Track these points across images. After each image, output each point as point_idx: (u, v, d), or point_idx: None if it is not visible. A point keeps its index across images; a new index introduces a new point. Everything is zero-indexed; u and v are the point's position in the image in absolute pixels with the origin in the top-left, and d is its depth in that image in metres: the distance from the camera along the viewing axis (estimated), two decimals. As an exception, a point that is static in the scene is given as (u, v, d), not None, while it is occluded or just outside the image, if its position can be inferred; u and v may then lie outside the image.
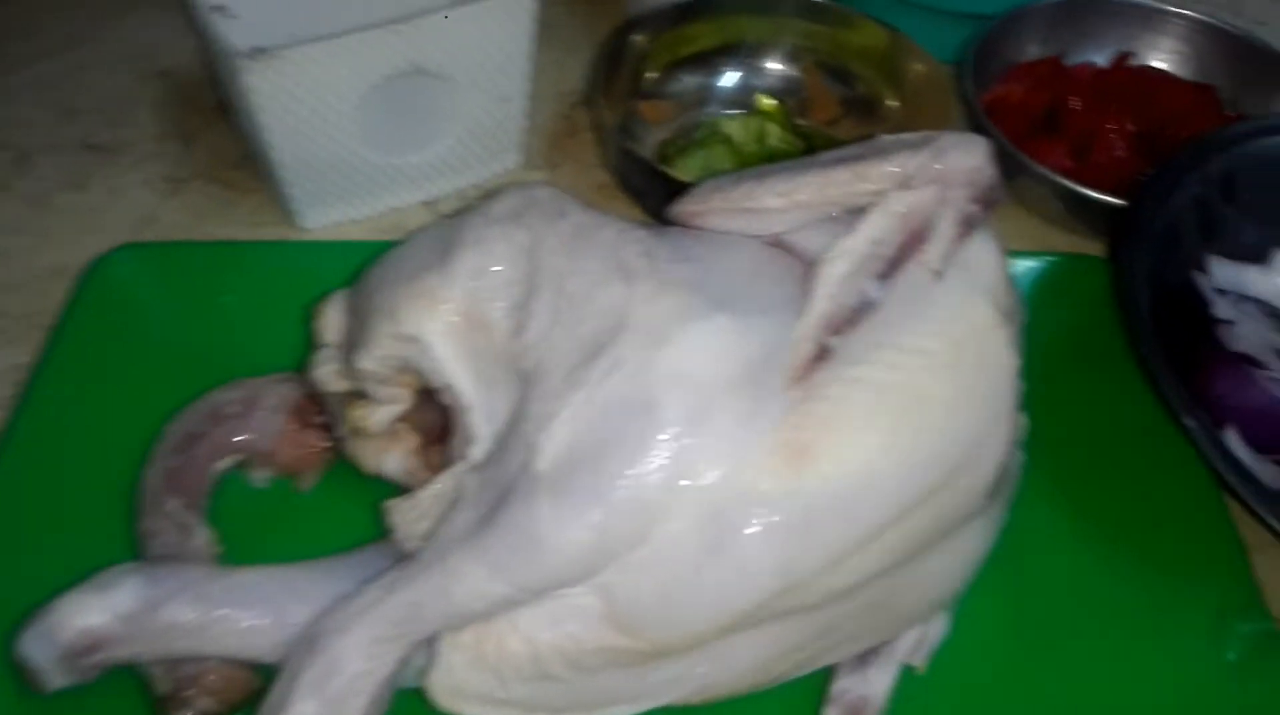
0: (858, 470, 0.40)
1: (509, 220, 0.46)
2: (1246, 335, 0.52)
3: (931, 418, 0.41)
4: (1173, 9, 0.76)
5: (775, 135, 0.72)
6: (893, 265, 0.44)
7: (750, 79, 0.75)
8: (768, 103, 0.73)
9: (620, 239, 0.45)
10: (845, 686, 0.46)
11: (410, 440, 0.51)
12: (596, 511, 0.39)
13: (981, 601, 0.49)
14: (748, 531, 0.39)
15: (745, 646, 0.43)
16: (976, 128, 0.70)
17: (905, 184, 0.45)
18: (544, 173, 0.72)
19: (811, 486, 0.39)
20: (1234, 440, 0.53)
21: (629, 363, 0.40)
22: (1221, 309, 0.53)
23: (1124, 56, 0.75)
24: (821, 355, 0.42)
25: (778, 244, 0.48)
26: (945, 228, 0.44)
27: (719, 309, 0.42)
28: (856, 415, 0.40)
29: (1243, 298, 0.56)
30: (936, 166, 0.45)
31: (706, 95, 0.75)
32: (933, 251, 0.44)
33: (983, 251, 0.45)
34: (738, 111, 0.74)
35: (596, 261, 0.44)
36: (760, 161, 0.70)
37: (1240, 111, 0.72)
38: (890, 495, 0.40)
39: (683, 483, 0.39)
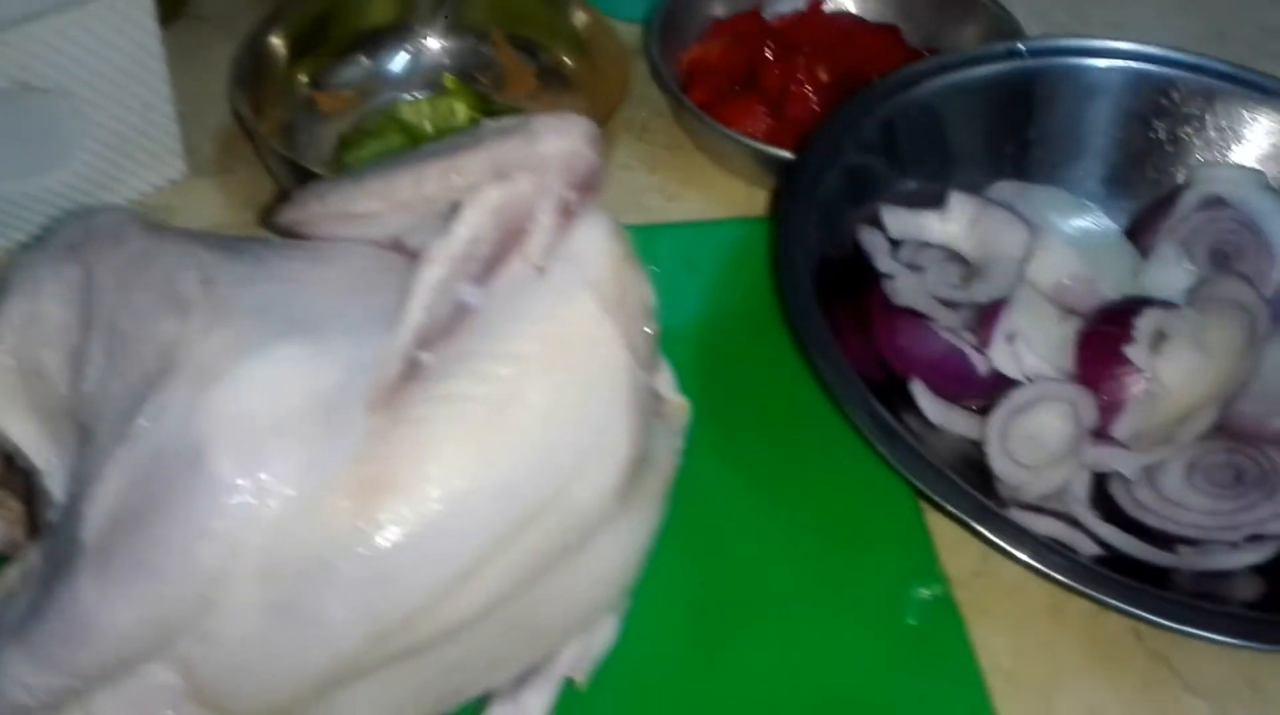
0: (442, 500, 0.36)
1: (63, 255, 0.41)
2: (906, 288, 0.50)
3: (527, 430, 0.37)
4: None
5: (464, 115, 0.67)
6: (491, 265, 0.40)
7: (441, 58, 0.71)
8: (452, 81, 0.69)
9: (178, 265, 0.40)
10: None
11: (12, 508, 0.45)
12: (145, 584, 0.34)
13: (658, 594, 0.46)
14: (319, 584, 0.35)
15: (369, 696, 0.39)
16: (667, 92, 0.67)
17: (501, 174, 0.41)
18: (214, 179, 0.66)
19: (389, 525, 0.35)
20: (922, 392, 0.52)
21: (174, 408, 0.36)
22: (882, 263, 0.52)
23: (817, 3, 0.73)
24: (410, 373, 0.38)
25: (396, 247, 0.44)
26: (544, 219, 0.40)
27: (286, 336, 0.38)
28: (440, 438, 0.36)
29: (925, 245, 0.55)
30: (531, 153, 0.41)
31: (387, 80, 0.70)
32: (533, 246, 0.40)
33: (590, 240, 0.41)
34: (427, 94, 0.69)
35: (149, 293, 0.39)
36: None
37: (934, 48, 0.71)
38: (485, 522, 0.36)
39: (242, 538, 0.35)
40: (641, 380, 0.41)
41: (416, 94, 0.69)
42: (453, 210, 0.41)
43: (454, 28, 0.70)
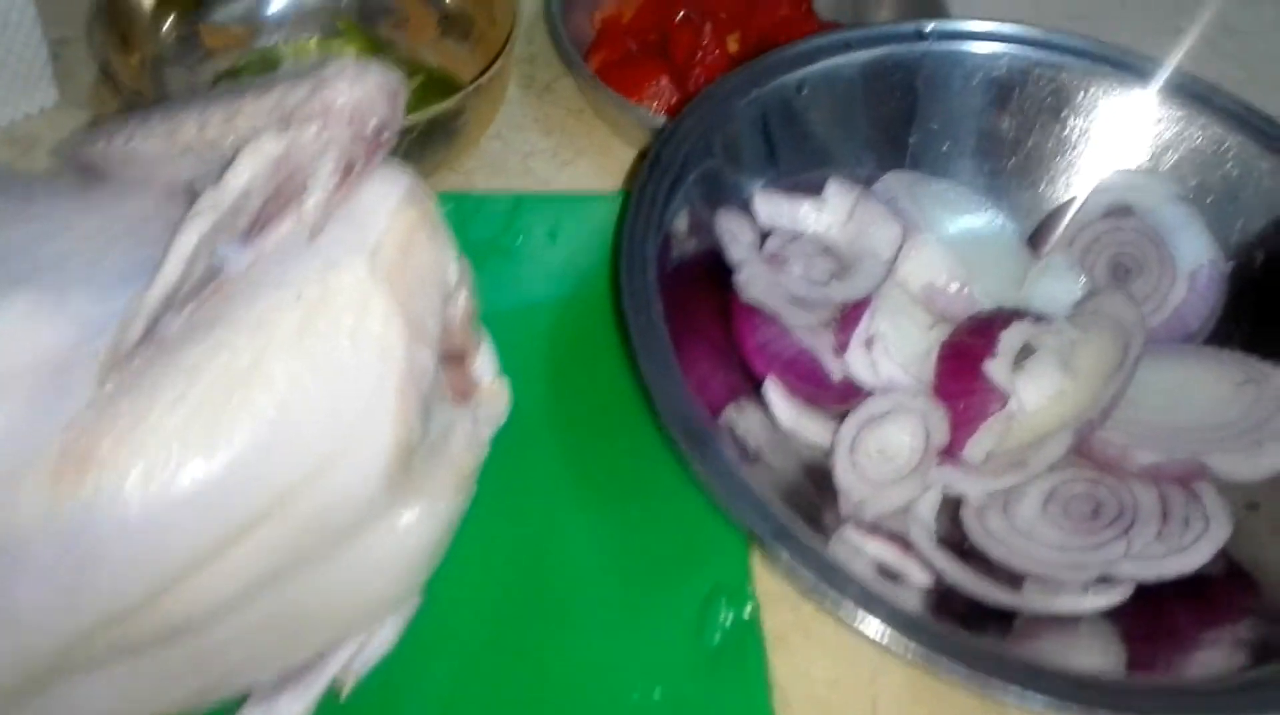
0: (158, 481, 0.33)
1: None
2: (756, 282, 0.47)
3: (264, 408, 0.34)
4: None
5: (353, 61, 0.64)
6: (262, 222, 0.37)
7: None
8: (346, 23, 0.65)
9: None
10: (246, 719, 0.40)
11: None
12: None
13: (454, 595, 0.43)
14: (8, 570, 0.32)
15: (95, 690, 0.36)
16: (561, 53, 0.63)
17: (286, 122, 0.38)
18: (88, 111, 0.63)
19: (92, 506, 0.32)
20: (775, 393, 0.49)
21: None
22: (735, 251, 0.48)
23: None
24: (151, 337, 0.35)
25: (189, 192, 0.41)
26: (323, 174, 0.37)
27: (20, 286, 0.35)
28: (164, 410, 0.33)
29: (797, 237, 0.51)
30: (318, 101, 0.37)
31: (281, 17, 0.66)
32: (308, 204, 0.37)
33: (376, 201, 0.38)
34: (320, 36, 0.66)
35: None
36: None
37: (847, 19, 0.67)
38: (211, 508, 0.33)
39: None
40: (421, 359, 0.37)
41: (312, 35, 0.66)
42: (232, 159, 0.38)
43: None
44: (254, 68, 0.60)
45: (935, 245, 0.49)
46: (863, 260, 0.48)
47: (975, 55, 0.54)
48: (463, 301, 0.42)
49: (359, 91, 0.37)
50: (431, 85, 0.62)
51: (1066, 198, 0.55)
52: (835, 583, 0.38)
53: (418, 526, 0.40)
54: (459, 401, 0.43)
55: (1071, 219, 0.53)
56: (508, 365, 0.45)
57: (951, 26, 0.55)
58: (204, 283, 0.36)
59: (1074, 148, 0.54)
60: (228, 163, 0.37)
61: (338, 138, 0.37)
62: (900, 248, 0.48)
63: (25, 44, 0.59)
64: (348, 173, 0.37)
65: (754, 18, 0.64)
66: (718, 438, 0.41)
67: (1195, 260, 0.52)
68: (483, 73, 0.58)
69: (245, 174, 0.37)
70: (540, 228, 0.55)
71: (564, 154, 0.64)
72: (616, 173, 0.63)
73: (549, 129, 0.65)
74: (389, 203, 0.38)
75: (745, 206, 0.51)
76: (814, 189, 0.52)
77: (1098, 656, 0.43)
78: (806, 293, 0.47)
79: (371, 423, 0.36)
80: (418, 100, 0.61)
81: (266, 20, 0.65)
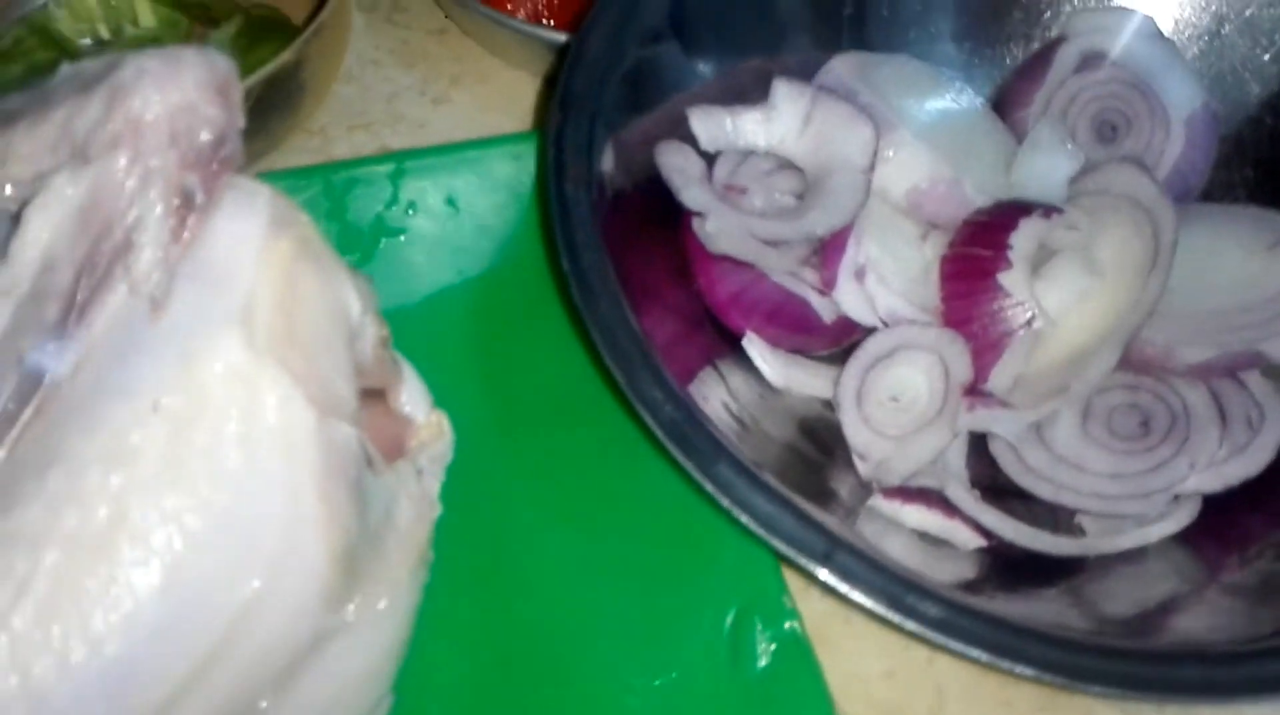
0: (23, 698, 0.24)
1: None
2: (722, 229, 0.38)
3: (149, 577, 0.25)
4: None
5: (150, 17, 0.51)
6: (79, 303, 0.27)
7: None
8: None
9: None
10: None
11: None
12: None
13: (438, 668, 0.36)
14: None
15: None
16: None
17: (81, 154, 0.27)
18: None
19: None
20: (757, 348, 0.41)
21: None
22: (688, 196, 0.39)
23: None
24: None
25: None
26: (152, 221, 0.27)
27: None
28: (6, 607, 0.24)
29: (748, 155, 0.43)
30: (120, 117, 0.27)
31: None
32: (138, 266, 0.27)
33: (232, 242, 0.28)
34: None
35: None
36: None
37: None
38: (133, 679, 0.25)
39: None
40: (340, 438, 0.28)
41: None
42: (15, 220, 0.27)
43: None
44: (26, 47, 0.47)
45: (914, 138, 0.41)
46: (832, 175, 0.40)
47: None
48: (370, 328, 0.33)
49: (174, 95, 0.27)
50: (253, 30, 0.50)
51: (1031, 53, 0.47)
52: (902, 606, 0.31)
53: (375, 630, 0.32)
54: (393, 456, 0.34)
55: (1043, 77, 0.45)
56: (433, 373, 0.36)
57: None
58: (17, 407, 0.26)
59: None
60: (9, 229, 0.27)
61: (160, 165, 0.27)
62: (875, 152, 0.40)
63: None
64: (185, 211, 0.27)
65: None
66: (716, 439, 0.34)
67: (1188, 105, 0.45)
68: (318, 7, 0.46)
69: (38, 241, 0.26)
70: (435, 193, 0.44)
71: (434, 88, 0.53)
72: (502, 104, 0.52)
73: (410, 60, 0.53)
74: (251, 240, 0.28)
75: (680, 129, 0.42)
76: (753, 93, 0.43)
77: (1174, 581, 0.38)
78: (777, 232, 0.39)
79: (294, 545, 0.27)
80: (240, 54, 0.49)
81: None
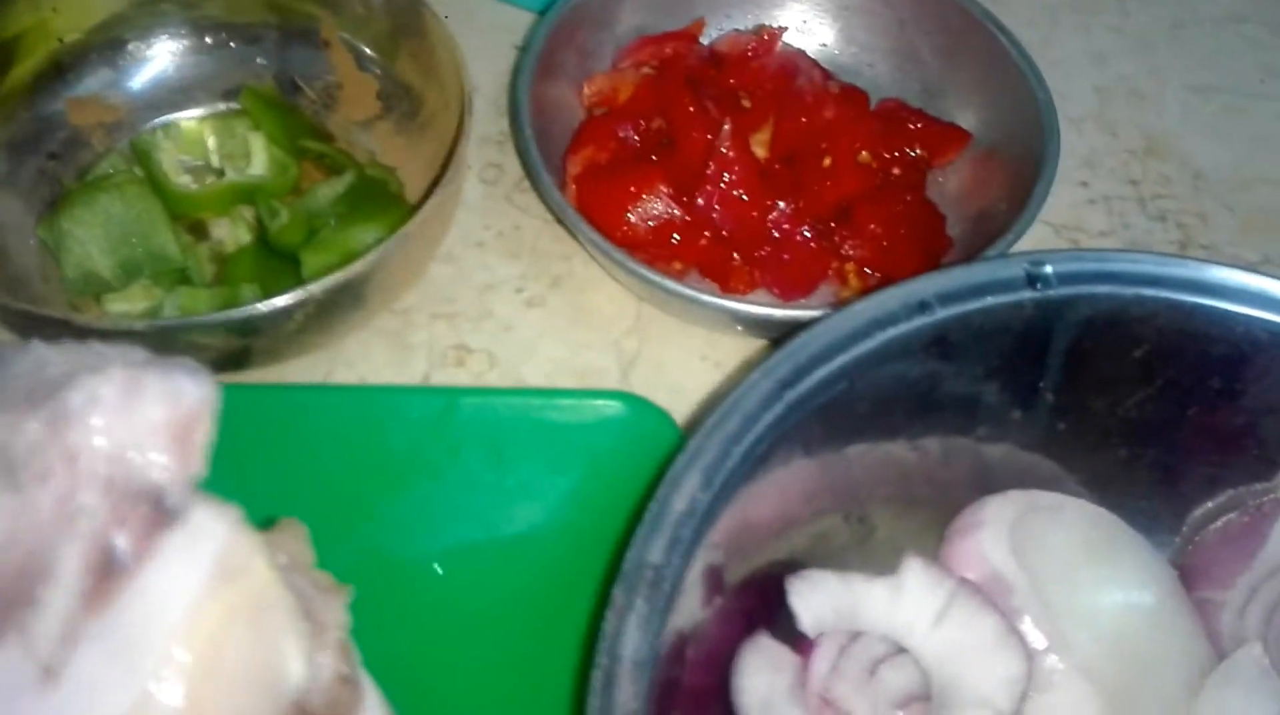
0: None
1: None
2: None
3: None
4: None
5: (263, 155, 0.48)
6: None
7: (252, 56, 0.51)
8: (252, 96, 0.49)
9: None
10: None
11: None
12: None
13: None
14: None
15: None
16: (523, 157, 0.48)
17: (10, 475, 0.23)
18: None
19: None
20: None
21: None
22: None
23: (771, 36, 0.52)
24: None
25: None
26: (65, 577, 0.23)
27: None
28: None
29: (857, 636, 0.34)
30: (59, 445, 0.23)
31: (178, 83, 0.51)
32: (38, 626, 0.23)
33: (157, 599, 0.23)
34: (229, 107, 0.50)
35: None
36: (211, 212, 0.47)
37: (943, 124, 0.51)
38: None
39: None
40: None
41: (219, 106, 0.51)
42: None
43: (272, 14, 0.51)
44: (111, 182, 0.45)
45: (1071, 676, 0.32)
46: (964, 710, 0.33)
47: (1123, 308, 0.35)
48: (326, 671, 0.28)
49: (122, 433, 0.23)
50: (361, 191, 0.47)
51: (1240, 511, 0.37)
52: None
53: None
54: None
55: (1250, 555, 0.36)
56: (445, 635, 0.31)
57: (1081, 264, 0.35)
58: None
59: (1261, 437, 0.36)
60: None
61: (87, 516, 0.23)
62: (1023, 689, 0.32)
63: None
64: (104, 574, 0.23)
65: (789, 113, 0.48)
66: None
67: None
68: (426, 196, 0.42)
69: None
70: (485, 436, 0.40)
71: (533, 287, 0.48)
72: (597, 320, 0.48)
73: (516, 249, 0.49)
74: (179, 599, 0.23)
75: (771, 608, 0.34)
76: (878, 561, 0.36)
77: None
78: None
79: None
80: (343, 216, 0.46)
81: (157, 88, 0.50)
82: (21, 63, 0.47)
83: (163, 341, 0.37)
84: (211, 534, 0.25)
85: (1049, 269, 0.36)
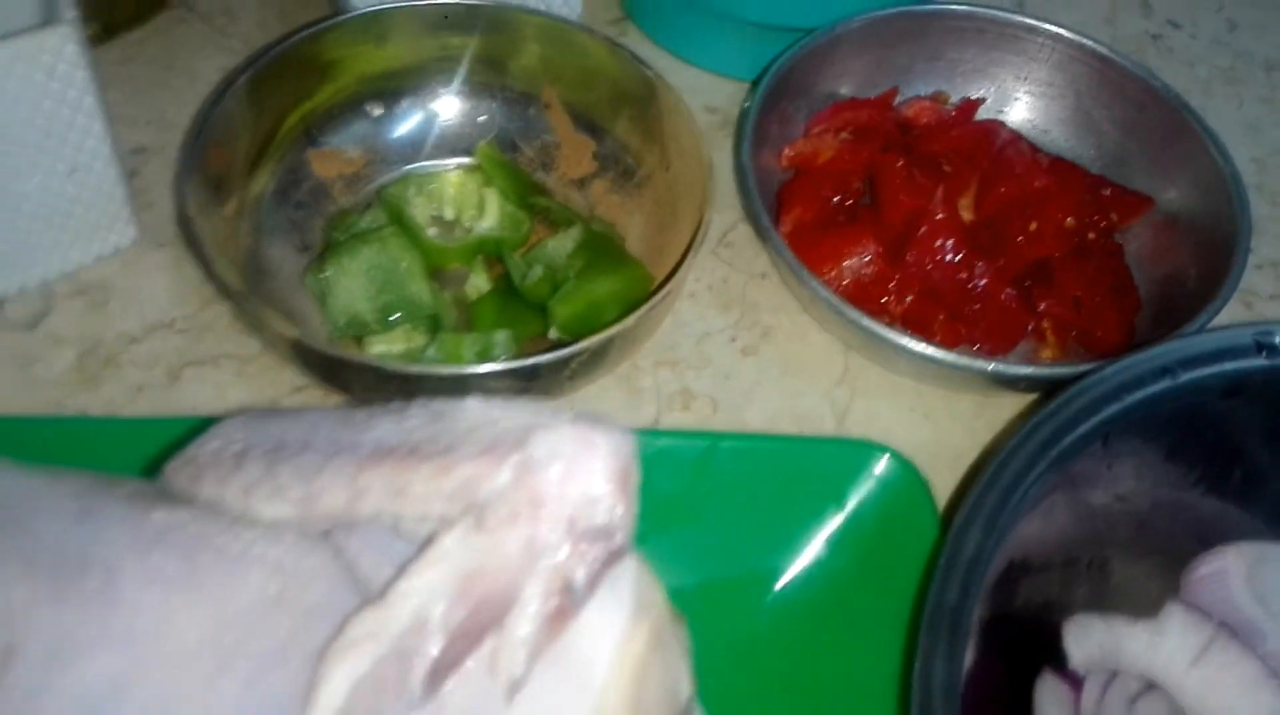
0: None
1: None
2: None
3: None
4: (1050, 28, 0.56)
5: (497, 210, 0.52)
6: (440, 668, 0.26)
7: (475, 116, 0.55)
8: (486, 151, 0.53)
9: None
10: None
11: None
12: None
13: None
14: None
15: None
16: (749, 209, 0.51)
17: (474, 511, 0.27)
18: (170, 251, 0.52)
19: None
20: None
21: None
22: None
23: (971, 105, 0.55)
24: None
25: (334, 549, 0.30)
26: (532, 607, 0.26)
27: None
28: None
29: (1115, 675, 0.38)
30: (525, 493, 0.26)
31: (408, 140, 0.54)
32: (506, 647, 0.26)
33: (595, 633, 0.27)
34: (456, 162, 0.54)
35: None
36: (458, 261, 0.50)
37: (1130, 191, 0.54)
38: None
39: None
40: None
41: (447, 162, 0.54)
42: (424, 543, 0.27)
43: (496, 78, 0.54)
44: (372, 232, 0.49)
45: None
46: None
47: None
48: (684, 694, 0.31)
49: (582, 483, 0.26)
50: (590, 246, 0.51)
51: None
52: None
53: None
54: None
55: None
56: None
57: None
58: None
59: None
60: (395, 571, 0.27)
61: (551, 549, 0.26)
62: None
63: (100, 187, 0.48)
64: (564, 602, 0.26)
65: (996, 179, 0.51)
66: None
67: None
68: (678, 265, 0.45)
69: (422, 594, 0.26)
70: (737, 480, 0.43)
71: (746, 336, 0.52)
72: (808, 368, 0.51)
73: (727, 301, 0.53)
74: (612, 630, 0.27)
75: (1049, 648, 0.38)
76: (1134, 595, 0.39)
77: None
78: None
79: None
80: (573, 272, 0.50)
81: (390, 144, 0.54)
82: (293, 116, 0.51)
83: (460, 384, 0.41)
84: (626, 572, 0.28)
85: (1278, 339, 0.40)
